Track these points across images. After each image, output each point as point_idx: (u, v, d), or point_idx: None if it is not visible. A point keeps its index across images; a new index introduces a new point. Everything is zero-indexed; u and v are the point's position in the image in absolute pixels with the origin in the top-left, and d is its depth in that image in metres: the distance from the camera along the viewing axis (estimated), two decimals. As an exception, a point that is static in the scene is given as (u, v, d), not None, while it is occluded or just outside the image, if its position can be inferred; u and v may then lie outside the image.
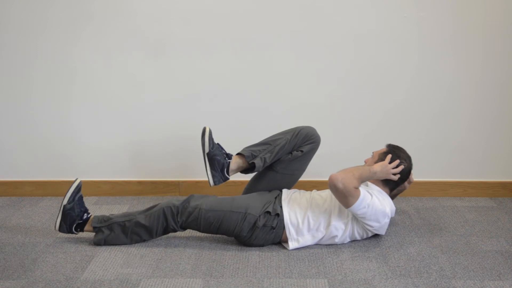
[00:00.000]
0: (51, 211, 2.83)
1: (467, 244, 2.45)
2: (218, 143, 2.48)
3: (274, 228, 2.36)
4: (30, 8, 2.82)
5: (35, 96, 2.95)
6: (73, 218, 2.38)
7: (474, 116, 2.96)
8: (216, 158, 2.42)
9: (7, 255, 2.33)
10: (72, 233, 2.41)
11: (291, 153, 2.50)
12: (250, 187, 2.60)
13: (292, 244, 2.37)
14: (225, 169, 2.44)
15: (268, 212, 2.37)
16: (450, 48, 2.86)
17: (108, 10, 2.83)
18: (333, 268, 2.22)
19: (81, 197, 2.41)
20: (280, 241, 2.41)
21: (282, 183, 2.55)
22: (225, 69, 2.90)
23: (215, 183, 2.43)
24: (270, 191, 2.54)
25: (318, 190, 2.58)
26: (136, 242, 2.42)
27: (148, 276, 2.16)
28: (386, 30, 2.84)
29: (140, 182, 3.07)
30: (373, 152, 2.53)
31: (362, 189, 2.29)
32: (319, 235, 2.38)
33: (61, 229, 2.39)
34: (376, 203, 2.30)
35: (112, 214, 2.44)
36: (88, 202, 2.94)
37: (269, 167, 2.52)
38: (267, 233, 2.37)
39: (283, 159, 2.51)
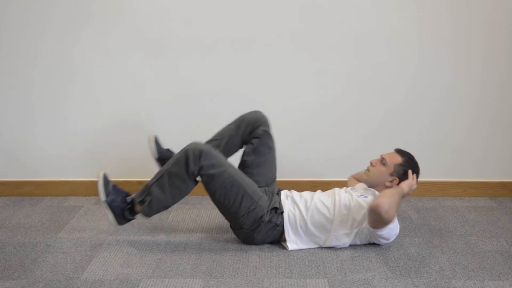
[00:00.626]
0: (51, 211, 2.84)
1: (467, 244, 2.45)
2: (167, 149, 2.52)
3: (277, 226, 2.36)
4: (30, 8, 2.82)
5: (35, 96, 2.95)
6: (120, 206, 2.34)
7: (474, 116, 2.96)
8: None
9: (7, 255, 2.33)
10: (130, 219, 2.39)
11: (249, 142, 2.50)
12: None
13: (291, 246, 2.37)
14: None
15: (275, 208, 2.36)
16: (450, 48, 2.86)
17: (108, 10, 2.83)
18: (333, 268, 2.22)
19: (114, 185, 2.39)
20: (280, 240, 2.41)
21: (266, 174, 2.53)
22: (225, 69, 2.90)
23: None
24: (265, 185, 2.53)
25: (322, 191, 2.55)
26: (176, 197, 2.33)
27: (148, 276, 2.16)
28: (386, 30, 2.84)
29: (140, 182, 3.05)
30: (382, 156, 2.46)
31: (395, 219, 2.29)
32: (319, 242, 2.38)
33: (120, 223, 2.37)
34: (395, 225, 2.33)
35: (148, 182, 2.38)
36: (88, 202, 2.94)
37: (243, 165, 2.51)
38: (271, 229, 2.36)
39: (247, 152, 2.51)
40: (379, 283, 2.11)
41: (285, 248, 2.38)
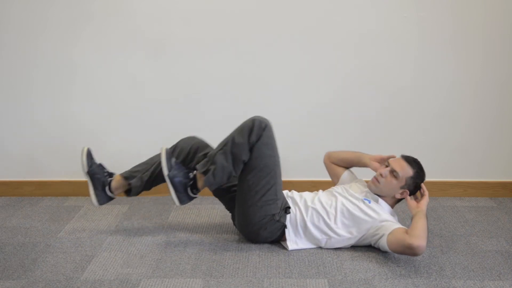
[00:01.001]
0: (51, 211, 2.83)
1: (467, 244, 2.45)
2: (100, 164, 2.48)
3: (285, 227, 2.36)
4: (30, 8, 2.82)
5: (35, 96, 2.95)
6: (183, 182, 2.31)
7: (474, 116, 2.96)
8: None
9: (7, 255, 2.33)
10: (192, 197, 2.34)
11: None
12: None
13: (291, 245, 2.37)
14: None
15: (288, 208, 2.36)
16: (450, 48, 2.86)
17: (108, 10, 2.83)
18: (333, 268, 2.22)
19: (176, 161, 2.35)
20: (280, 240, 2.41)
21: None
22: (225, 69, 2.90)
23: (99, 203, 2.44)
24: None
25: (322, 190, 2.54)
26: (236, 165, 2.29)
27: (148, 276, 2.16)
28: (386, 30, 2.84)
29: (140, 182, 3.06)
30: (392, 168, 2.35)
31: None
32: (319, 243, 2.37)
33: (183, 201, 2.32)
34: None
35: (211, 152, 2.35)
36: (88, 202, 2.94)
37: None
38: (277, 229, 2.36)
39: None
40: (379, 283, 2.11)
41: (285, 248, 2.38)
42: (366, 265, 2.24)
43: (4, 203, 2.97)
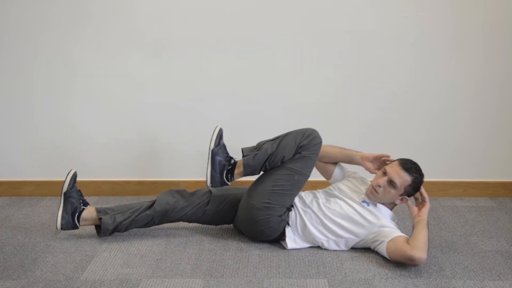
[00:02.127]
0: (51, 211, 2.83)
1: (467, 244, 2.45)
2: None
3: (289, 225, 2.36)
4: (30, 8, 2.82)
5: (35, 96, 2.95)
6: (223, 163, 2.34)
7: (474, 116, 2.96)
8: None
9: (7, 255, 2.33)
10: (225, 183, 2.36)
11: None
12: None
13: (290, 244, 2.37)
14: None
15: (291, 206, 2.37)
16: (450, 48, 2.86)
17: (108, 10, 2.83)
18: (333, 268, 2.22)
19: (224, 145, 2.38)
20: (280, 239, 2.42)
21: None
22: (225, 69, 2.90)
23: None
24: None
25: (320, 189, 2.54)
26: (276, 158, 2.32)
27: (148, 276, 2.16)
28: (386, 30, 2.84)
29: (140, 182, 3.06)
30: (389, 178, 2.29)
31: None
32: (317, 243, 2.38)
33: (213, 181, 2.34)
34: None
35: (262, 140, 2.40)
36: (88, 201, 2.93)
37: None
38: (282, 227, 2.37)
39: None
40: (379, 283, 2.11)
41: (285, 248, 2.38)
42: (366, 265, 2.24)
43: (4, 203, 2.97)
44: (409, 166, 2.32)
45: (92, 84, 2.94)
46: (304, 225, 2.35)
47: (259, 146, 2.37)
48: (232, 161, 2.38)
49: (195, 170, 2.97)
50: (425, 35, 2.84)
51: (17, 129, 3.00)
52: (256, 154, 2.33)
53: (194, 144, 2.91)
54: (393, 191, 2.31)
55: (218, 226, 2.61)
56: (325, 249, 2.37)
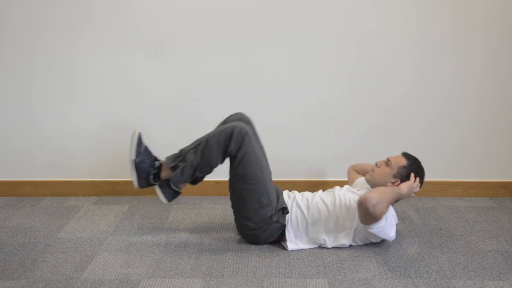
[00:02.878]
0: (51, 211, 2.84)
1: (467, 244, 2.45)
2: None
3: (284, 226, 2.36)
4: (30, 8, 2.82)
5: (35, 96, 2.95)
6: (147, 170, 2.35)
7: (474, 116, 2.96)
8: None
9: (7, 255, 2.33)
10: (153, 185, 2.37)
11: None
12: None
13: (290, 246, 2.37)
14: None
15: (285, 209, 2.36)
16: (450, 48, 2.86)
17: (108, 10, 2.83)
18: (333, 268, 2.22)
19: (146, 148, 2.38)
20: (281, 240, 2.42)
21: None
22: (225, 69, 2.90)
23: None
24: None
25: (323, 190, 2.55)
26: (206, 168, 2.31)
27: (148, 276, 2.16)
28: (386, 30, 2.84)
29: (140, 182, 3.06)
30: (388, 158, 2.46)
31: (384, 216, 2.25)
32: (318, 242, 2.38)
33: (141, 185, 2.36)
34: (387, 225, 2.28)
35: (184, 148, 2.37)
36: (88, 202, 2.94)
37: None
38: (276, 229, 2.37)
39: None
40: (379, 283, 2.11)
41: (285, 248, 2.38)
42: (366, 265, 2.24)
43: (4, 203, 2.97)
44: (410, 156, 2.47)
45: (92, 84, 2.94)
46: (307, 225, 2.36)
47: (182, 155, 2.33)
48: (157, 164, 2.38)
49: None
50: (425, 35, 2.84)
51: (17, 129, 3.00)
52: (183, 168, 2.31)
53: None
54: (387, 169, 2.42)
55: (218, 226, 2.62)
56: (326, 247, 2.37)
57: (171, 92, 2.94)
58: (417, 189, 2.41)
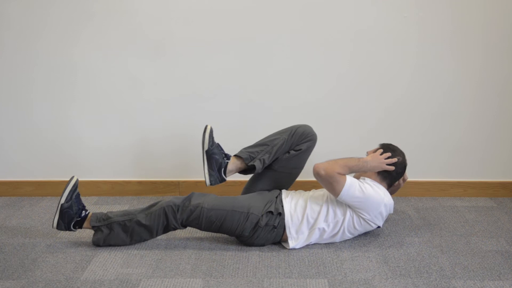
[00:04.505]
0: (51, 211, 2.83)
1: (467, 244, 2.45)
2: (218, 143, 2.48)
3: (275, 227, 2.36)
4: (30, 8, 2.82)
5: (35, 96, 2.95)
6: (71, 216, 2.37)
7: (474, 116, 2.96)
8: (215, 157, 2.42)
9: (7, 255, 2.33)
10: (71, 230, 2.39)
11: (289, 152, 2.51)
12: (250, 187, 2.59)
13: (291, 243, 2.37)
14: (222, 169, 2.45)
15: (271, 212, 2.37)
16: (450, 48, 2.86)
17: (108, 10, 2.83)
18: (333, 268, 2.22)
19: (78, 195, 2.40)
20: (280, 240, 2.42)
21: (281, 181, 2.56)
22: (225, 68, 2.90)
23: (211, 183, 2.42)
24: (269, 190, 2.54)
25: (316, 189, 2.57)
26: (137, 242, 2.41)
27: (148, 276, 2.16)
28: (386, 29, 2.84)
29: (140, 182, 3.07)
30: (367, 152, 2.51)
31: (349, 176, 2.32)
32: (319, 231, 2.38)
33: (59, 227, 2.37)
34: (369, 190, 2.31)
35: (111, 212, 2.42)
36: (88, 202, 2.94)
37: (268, 166, 2.52)
38: (269, 232, 2.37)
39: (281, 158, 2.51)
40: (379, 283, 2.11)
41: (285, 248, 2.38)
42: (366, 265, 2.24)
43: (4, 203, 2.97)
44: (384, 143, 2.51)
45: (93, 84, 2.94)
46: (307, 221, 2.36)
47: (108, 221, 2.37)
48: (83, 215, 2.40)
49: (195, 170, 2.97)
50: (425, 35, 2.84)
51: (17, 129, 3.00)
52: (107, 237, 2.37)
53: (194, 144, 2.90)
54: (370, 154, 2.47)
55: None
56: (327, 246, 2.37)
57: (171, 91, 2.94)
58: (388, 161, 2.39)
